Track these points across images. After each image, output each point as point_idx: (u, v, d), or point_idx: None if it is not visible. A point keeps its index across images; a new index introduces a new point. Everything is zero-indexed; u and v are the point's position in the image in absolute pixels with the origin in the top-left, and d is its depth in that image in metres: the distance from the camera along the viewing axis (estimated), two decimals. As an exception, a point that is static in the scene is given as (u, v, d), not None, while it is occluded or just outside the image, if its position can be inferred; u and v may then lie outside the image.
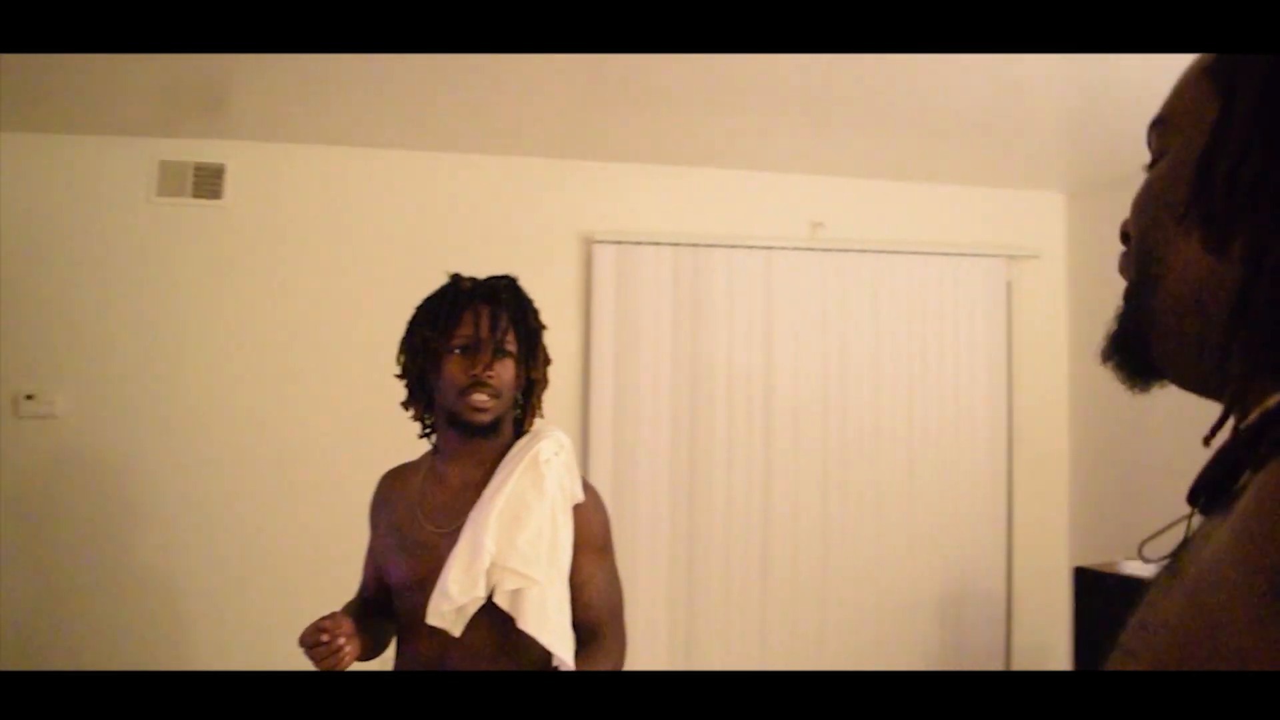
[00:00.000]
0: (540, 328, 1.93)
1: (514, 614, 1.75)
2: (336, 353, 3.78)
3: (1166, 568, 0.62)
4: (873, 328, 4.30)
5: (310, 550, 3.65)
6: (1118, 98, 3.24)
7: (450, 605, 1.73)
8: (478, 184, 3.96)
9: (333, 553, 3.56)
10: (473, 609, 1.76)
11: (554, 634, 1.77)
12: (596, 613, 1.86)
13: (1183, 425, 3.60)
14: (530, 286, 1.96)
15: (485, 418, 1.82)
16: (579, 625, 1.82)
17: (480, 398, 1.80)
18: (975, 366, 4.42)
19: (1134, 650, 0.59)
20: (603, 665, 1.83)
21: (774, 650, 4.10)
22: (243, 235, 3.74)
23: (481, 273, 1.97)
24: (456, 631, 1.76)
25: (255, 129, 3.61)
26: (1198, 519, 0.63)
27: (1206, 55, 0.66)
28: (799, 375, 4.21)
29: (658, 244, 4.07)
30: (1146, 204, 0.68)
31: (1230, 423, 0.61)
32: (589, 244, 4.03)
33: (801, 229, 4.29)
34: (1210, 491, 0.61)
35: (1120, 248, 0.73)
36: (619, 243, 4.02)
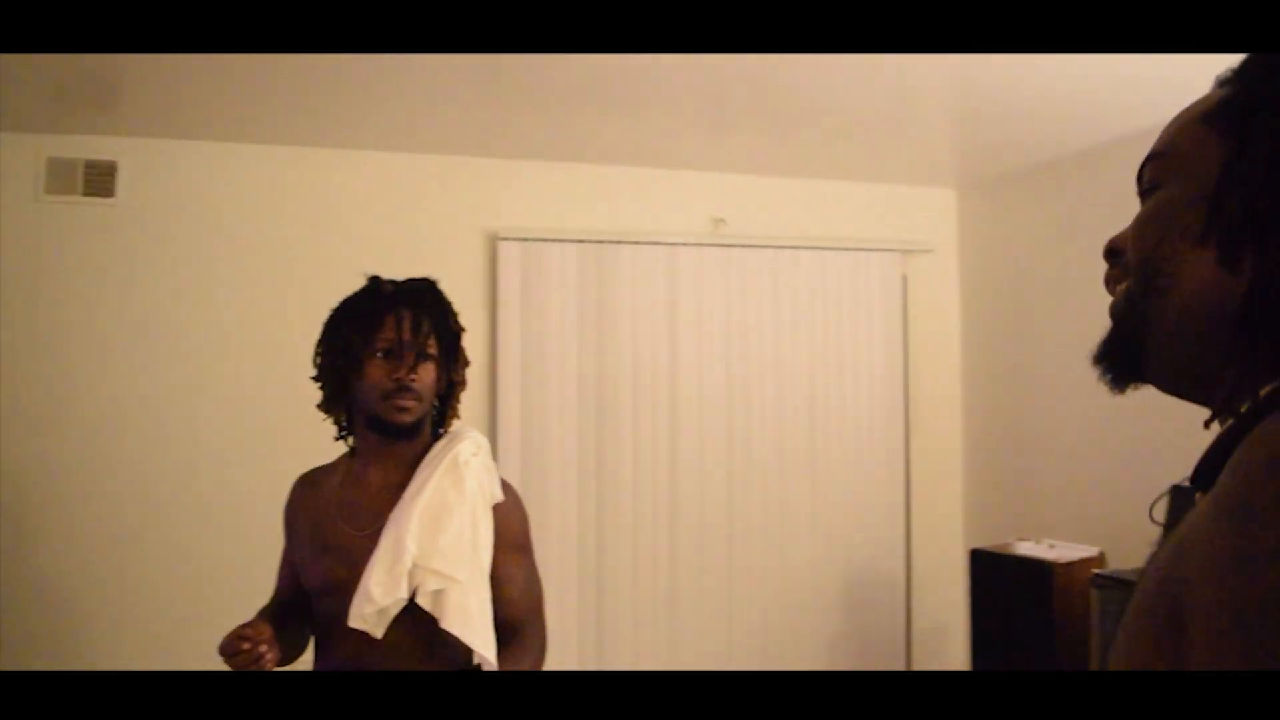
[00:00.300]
0: (460, 330, 1.94)
1: (437, 614, 1.76)
2: (238, 353, 3.71)
3: (1166, 536, 0.72)
4: (773, 321, 4.40)
5: (216, 555, 3.59)
6: (1002, 100, 3.39)
7: (373, 607, 1.74)
8: (380, 181, 3.93)
9: (240, 558, 3.51)
10: (395, 610, 1.77)
11: (477, 633, 1.78)
12: (517, 610, 1.88)
13: (1068, 413, 3.79)
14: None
15: (408, 418, 1.83)
16: (500, 623, 1.84)
17: (404, 401, 1.81)
18: (873, 358, 4.56)
19: (1132, 600, 0.70)
20: (524, 662, 1.86)
21: (683, 641, 4.17)
22: (137, 235, 3.63)
23: (386, 271, 1.97)
24: (378, 633, 1.76)
25: (149, 125, 3.51)
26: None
27: (1202, 105, 0.77)
28: (703, 369, 4.28)
29: (563, 241, 4.09)
30: (1152, 225, 0.78)
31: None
32: (494, 241, 4.03)
33: (704, 225, 4.36)
34: (1209, 474, 0.68)
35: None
36: (524, 240, 4.03)
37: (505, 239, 4.01)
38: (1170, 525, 0.74)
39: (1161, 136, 0.80)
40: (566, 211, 4.17)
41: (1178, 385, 0.79)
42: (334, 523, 1.86)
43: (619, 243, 4.16)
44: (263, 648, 1.67)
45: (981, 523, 4.57)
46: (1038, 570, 3.47)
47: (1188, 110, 0.79)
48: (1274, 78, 0.71)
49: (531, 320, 4.03)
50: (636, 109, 3.47)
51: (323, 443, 2.02)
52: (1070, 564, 3.45)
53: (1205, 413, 0.76)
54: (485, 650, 1.78)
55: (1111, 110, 3.50)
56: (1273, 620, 0.54)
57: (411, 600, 1.77)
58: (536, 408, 4.03)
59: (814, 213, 4.55)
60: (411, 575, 1.76)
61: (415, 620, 1.78)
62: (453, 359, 1.91)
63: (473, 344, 2.02)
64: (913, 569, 4.62)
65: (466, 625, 1.77)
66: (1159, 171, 0.79)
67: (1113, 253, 0.83)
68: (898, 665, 4.55)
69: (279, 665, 1.77)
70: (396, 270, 1.98)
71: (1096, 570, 3.34)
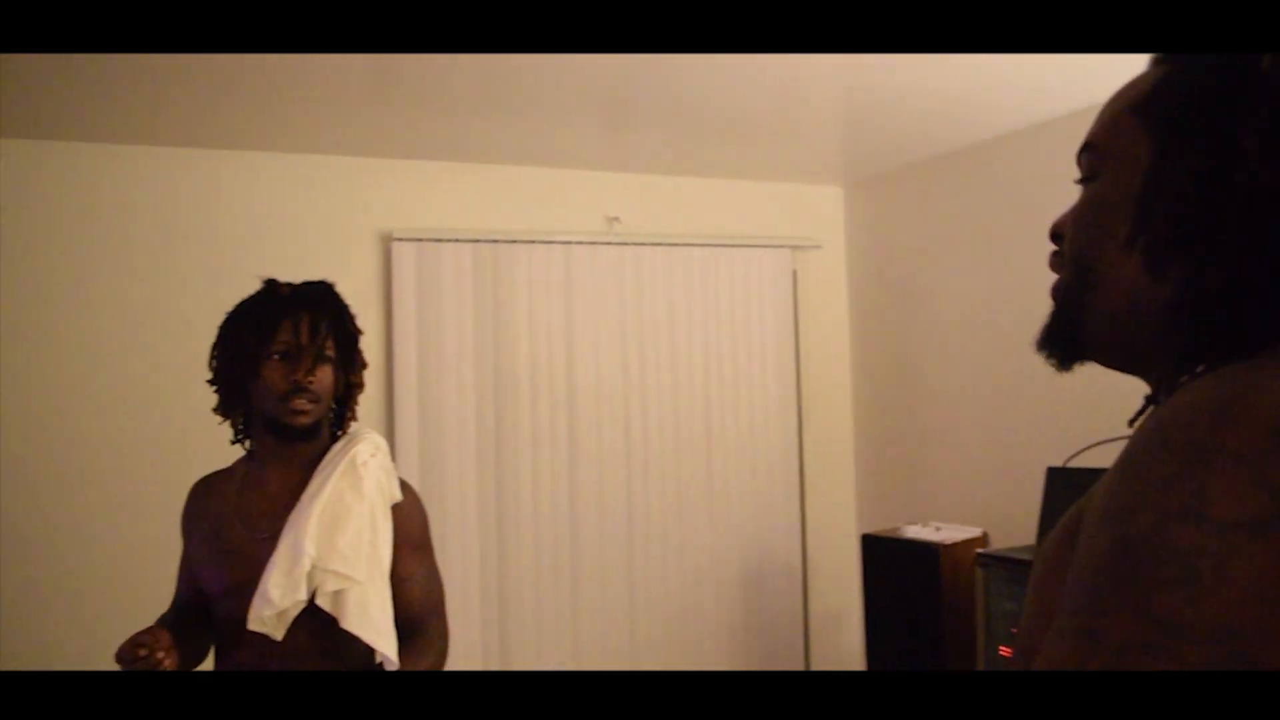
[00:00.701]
0: (358, 333, 1.96)
1: (337, 615, 1.78)
2: (122, 358, 3.61)
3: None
4: (669, 317, 4.47)
5: (105, 563, 3.50)
6: (885, 100, 3.51)
7: (272, 610, 1.74)
8: (271, 182, 3.86)
9: (131, 565, 3.44)
10: (294, 612, 1.78)
11: (378, 632, 1.80)
12: (419, 609, 1.91)
13: (951, 402, 3.93)
14: None
15: (306, 420, 1.84)
16: (402, 622, 1.86)
17: (301, 403, 1.82)
18: (766, 351, 4.67)
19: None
20: (426, 659, 1.88)
21: (586, 634, 4.21)
22: (14, 238, 3.51)
23: (278, 273, 1.98)
24: (278, 635, 1.77)
25: (27, 125, 3.40)
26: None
27: (1134, 91, 0.79)
28: (600, 366, 4.33)
29: (457, 241, 4.08)
30: (1084, 223, 0.80)
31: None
32: (388, 242, 4.01)
33: (598, 224, 4.40)
34: None
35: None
36: (419, 240, 4.02)
37: (399, 239, 3.99)
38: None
39: (1095, 124, 0.82)
40: (460, 211, 4.17)
41: (1118, 364, 0.83)
42: (232, 526, 1.86)
43: (514, 242, 4.18)
44: (160, 654, 1.66)
45: (873, 509, 4.73)
46: (925, 552, 3.61)
47: (1120, 95, 0.80)
48: (1198, 72, 0.73)
49: (427, 321, 4.02)
50: (529, 109, 3.49)
51: (216, 447, 2.01)
52: (955, 545, 3.59)
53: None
54: (386, 649, 1.80)
55: (988, 110, 3.65)
56: (1109, 564, 0.59)
57: (311, 602, 1.78)
58: (433, 408, 4.02)
59: (707, 210, 4.63)
60: (310, 577, 1.77)
61: (315, 622, 1.79)
62: (350, 361, 1.93)
63: (368, 345, 2.03)
64: (808, 556, 4.75)
65: (367, 625, 1.79)
66: (1093, 163, 0.81)
67: (1056, 236, 0.86)
68: (796, 650, 4.67)
69: (177, 670, 1.77)
70: (289, 272, 1.99)
71: (980, 550, 3.48)
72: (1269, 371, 0.63)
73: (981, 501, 3.99)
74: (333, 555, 1.78)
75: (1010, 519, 3.70)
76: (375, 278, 4.01)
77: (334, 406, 1.96)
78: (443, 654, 1.94)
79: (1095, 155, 0.80)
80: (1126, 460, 0.64)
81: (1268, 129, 0.68)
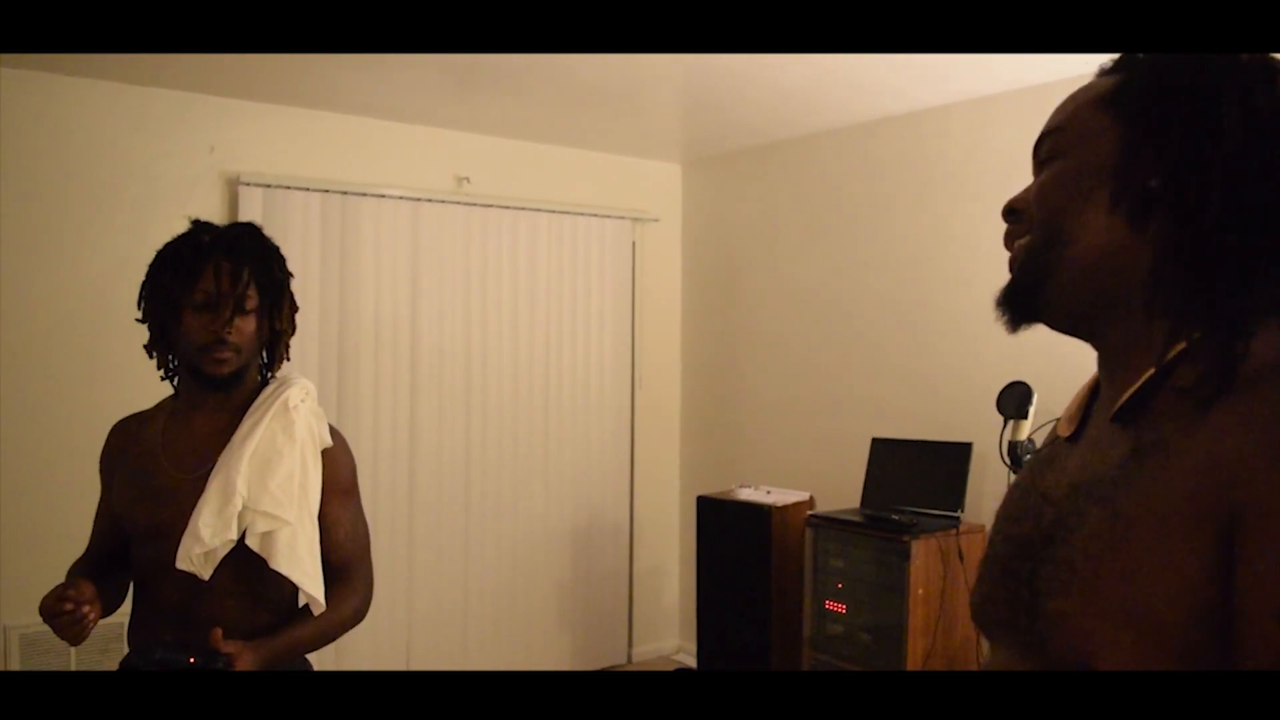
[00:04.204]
0: (286, 277, 1.95)
1: (266, 555, 1.79)
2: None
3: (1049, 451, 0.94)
4: (512, 279, 4.54)
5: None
6: (724, 87, 3.76)
7: (201, 549, 1.74)
8: (112, 113, 3.64)
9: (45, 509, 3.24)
10: (222, 552, 1.78)
11: (305, 574, 1.83)
12: (346, 553, 1.94)
13: (775, 373, 4.22)
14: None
15: (226, 370, 1.82)
16: (329, 565, 1.89)
17: (223, 353, 1.80)
18: (604, 318, 4.82)
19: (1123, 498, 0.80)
20: (351, 602, 1.93)
21: (421, 589, 4.26)
22: None
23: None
24: (205, 575, 1.77)
25: None
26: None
27: (1093, 91, 0.90)
28: (444, 325, 4.36)
29: (307, 189, 4.00)
30: (1056, 188, 0.89)
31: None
32: (234, 185, 3.88)
33: (448, 182, 4.41)
34: (1133, 410, 0.83)
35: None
36: (267, 186, 3.91)
37: (246, 184, 3.87)
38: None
39: (1058, 114, 0.92)
40: (309, 160, 4.08)
41: (1069, 325, 0.91)
42: (159, 465, 1.83)
43: (364, 195, 4.13)
44: (85, 608, 1.65)
45: (698, 473, 4.97)
46: (758, 513, 3.86)
47: (1081, 93, 0.91)
48: (1166, 72, 0.84)
49: (271, 269, 3.92)
50: (382, 61, 3.44)
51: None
52: (786, 507, 3.86)
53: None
54: (314, 590, 1.83)
55: (819, 106, 3.93)
56: None
57: (238, 543, 1.79)
58: (274, 359, 3.93)
59: (553, 177, 4.72)
60: (241, 517, 1.78)
61: (241, 563, 1.80)
62: (277, 308, 1.91)
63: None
64: (635, 515, 4.96)
65: (295, 566, 1.82)
66: (1059, 144, 0.90)
67: (1012, 211, 0.93)
68: (621, 604, 4.88)
69: (101, 619, 1.75)
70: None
71: (811, 512, 3.77)
72: None
73: (806, 467, 4.29)
74: (264, 496, 1.79)
75: (832, 484, 4.00)
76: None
77: (262, 352, 1.95)
78: (367, 599, 1.98)
79: (1061, 138, 0.90)
80: None
81: (1248, 109, 0.79)
